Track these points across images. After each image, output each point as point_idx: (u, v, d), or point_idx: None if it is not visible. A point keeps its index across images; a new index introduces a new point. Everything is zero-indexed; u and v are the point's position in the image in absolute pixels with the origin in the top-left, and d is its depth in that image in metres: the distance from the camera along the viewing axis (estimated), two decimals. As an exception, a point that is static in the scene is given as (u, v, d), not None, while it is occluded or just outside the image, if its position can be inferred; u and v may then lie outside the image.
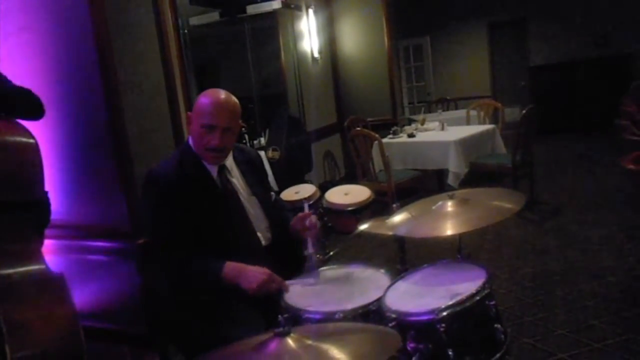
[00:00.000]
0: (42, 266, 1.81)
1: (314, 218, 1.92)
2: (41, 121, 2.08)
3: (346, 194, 2.86)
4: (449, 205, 1.71)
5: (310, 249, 1.85)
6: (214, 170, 1.90)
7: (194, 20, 4.96)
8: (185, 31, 4.67)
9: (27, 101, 1.97)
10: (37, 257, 1.83)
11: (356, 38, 6.05)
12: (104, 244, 2.66)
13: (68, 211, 2.65)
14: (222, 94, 1.87)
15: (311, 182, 4.47)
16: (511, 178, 4.62)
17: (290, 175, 4.33)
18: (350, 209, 2.73)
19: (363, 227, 2.16)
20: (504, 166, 4.70)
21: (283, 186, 3.58)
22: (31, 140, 1.88)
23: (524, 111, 4.67)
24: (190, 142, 1.91)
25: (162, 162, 1.91)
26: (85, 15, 2.50)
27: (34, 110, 2.00)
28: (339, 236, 3.44)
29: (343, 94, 6.21)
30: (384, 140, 4.86)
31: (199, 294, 1.79)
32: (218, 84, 5.81)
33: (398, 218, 1.83)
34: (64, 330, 1.71)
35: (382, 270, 1.78)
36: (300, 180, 4.49)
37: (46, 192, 1.93)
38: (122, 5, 2.65)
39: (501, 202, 1.74)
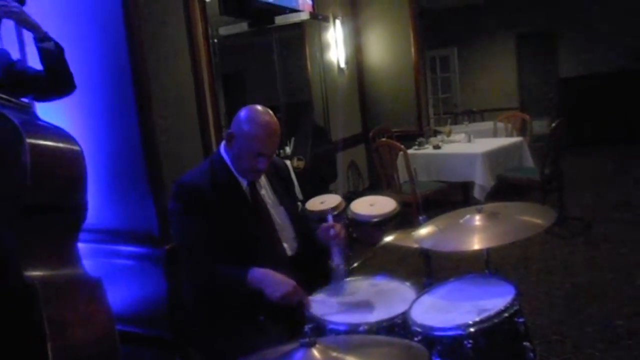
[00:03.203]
0: (81, 269, 1.88)
1: (338, 227, 1.91)
2: (72, 127, 2.15)
3: (372, 205, 2.83)
4: (477, 219, 1.69)
5: (336, 260, 1.84)
6: (244, 181, 1.92)
7: (223, 31, 5.04)
8: (215, 41, 4.75)
9: (56, 81, 2.11)
10: (77, 260, 1.89)
11: (383, 48, 6.05)
12: (132, 249, 2.71)
13: (97, 216, 2.70)
14: (271, 119, 1.86)
15: (335, 192, 4.47)
16: (539, 192, 4.54)
17: (315, 184, 4.33)
18: (375, 220, 2.70)
19: (388, 238, 2.15)
20: (532, 180, 4.61)
21: (307, 195, 3.58)
22: (77, 147, 1.95)
23: (553, 124, 4.59)
24: (223, 153, 1.93)
25: (192, 172, 1.93)
26: (120, 24, 2.57)
27: (64, 86, 2.13)
28: (364, 247, 3.43)
29: (369, 104, 6.21)
30: (409, 151, 4.83)
31: (225, 302, 1.81)
32: (245, 93, 5.92)
33: (424, 230, 1.81)
34: (101, 331, 1.77)
35: (408, 283, 1.76)
36: (325, 190, 4.49)
37: (86, 198, 1.99)
38: (155, 14, 2.71)
39: (531, 217, 1.71)
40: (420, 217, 1.91)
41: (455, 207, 1.90)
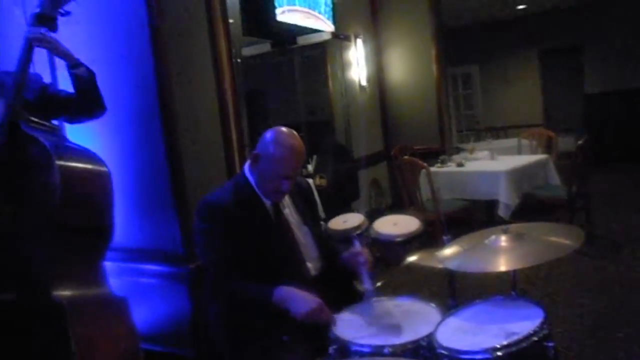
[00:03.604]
0: (107, 289, 1.91)
1: (366, 252, 1.92)
2: (100, 147, 2.20)
3: (395, 224, 2.81)
4: (503, 240, 1.66)
5: (367, 285, 1.85)
6: (268, 201, 1.94)
7: (246, 51, 5.13)
8: (238, 61, 4.83)
9: (86, 103, 2.18)
10: (103, 279, 1.93)
11: (404, 66, 6.06)
12: (157, 268, 2.74)
13: (123, 234, 2.74)
14: (296, 142, 1.88)
15: (357, 211, 4.45)
16: (566, 210, 4.44)
17: (337, 202, 4.33)
18: (399, 239, 2.68)
19: (412, 258, 2.13)
20: (559, 198, 4.53)
21: (330, 213, 3.57)
22: (104, 169, 2.00)
23: (579, 141, 4.51)
24: (247, 173, 1.95)
25: (217, 191, 1.95)
26: (147, 47, 2.63)
27: (94, 109, 2.19)
28: (387, 267, 3.40)
29: (390, 122, 6.20)
30: (432, 169, 4.79)
31: (249, 321, 1.81)
32: (267, 112, 5.97)
33: (449, 251, 1.79)
34: (127, 350, 1.79)
35: (433, 305, 1.74)
36: (347, 208, 4.48)
37: (113, 218, 2.03)
38: (181, 36, 2.78)
39: (558, 238, 1.67)
40: (445, 237, 1.89)
41: (480, 225, 1.88)
